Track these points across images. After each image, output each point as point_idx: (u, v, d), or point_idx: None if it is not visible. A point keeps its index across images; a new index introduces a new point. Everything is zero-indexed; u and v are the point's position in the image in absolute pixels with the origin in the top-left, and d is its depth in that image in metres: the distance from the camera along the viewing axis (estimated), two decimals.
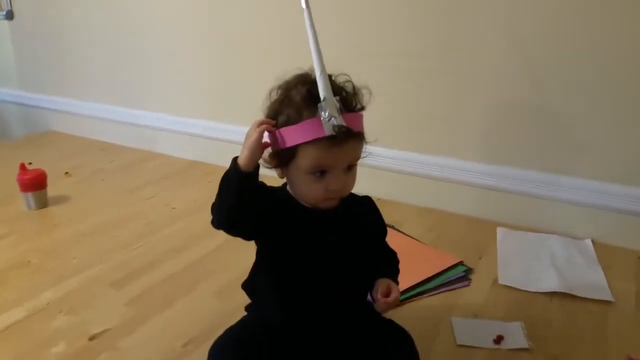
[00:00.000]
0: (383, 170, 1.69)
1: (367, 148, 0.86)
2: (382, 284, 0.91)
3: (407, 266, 1.16)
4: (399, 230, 1.48)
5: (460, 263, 1.31)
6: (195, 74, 2.08)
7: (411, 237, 1.45)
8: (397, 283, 0.94)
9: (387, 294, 0.90)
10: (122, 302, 1.21)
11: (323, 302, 0.92)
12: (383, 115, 1.62)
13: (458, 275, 1.27)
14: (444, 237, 1.46)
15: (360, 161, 0.86)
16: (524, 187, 1.53)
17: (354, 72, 0.85)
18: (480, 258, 1.35)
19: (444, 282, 1.24)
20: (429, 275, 1.24)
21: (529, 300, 1.18)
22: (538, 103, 1.45)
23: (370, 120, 0.85)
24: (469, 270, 1.30)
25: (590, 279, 1.25)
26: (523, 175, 1.52)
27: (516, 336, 1.05)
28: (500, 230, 1.49)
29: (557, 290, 1.20)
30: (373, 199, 0.97)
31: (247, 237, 0.92)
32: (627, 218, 1.40)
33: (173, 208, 1.72)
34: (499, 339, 1.03)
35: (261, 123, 0.82)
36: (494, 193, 1.57)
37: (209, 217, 0.84)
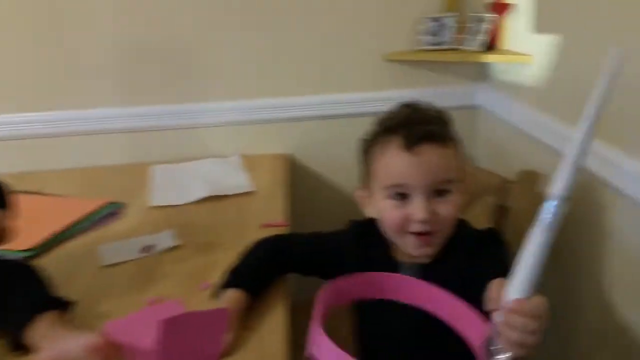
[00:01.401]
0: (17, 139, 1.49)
1: None
2: None
3: (51, 218, 1.10)
4: (43, 194, 1.32)
5: (110, 202, 1.25)
6: None
7: (57, 195, 1.32)
8: None
9: None
10: None
11: None
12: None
13: (108, 213, 1.21)
14: (95, 189, 1.37)
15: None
16: (169, 122, 1.54)
17: None
18: (136, 193, 1.32)
19: (94, 221, 1.17)
20: (75, 219, 1.15)
21: (181, 212, 1.21)
22: (166, 41, 1.47)
23: None
24: (121, 206, 1.25)
25: (236, 181, 1.35)
26: (166, 111, 1.53)
27: (166, 240, 1.05)
28: (154, 167, 1.48)
29: (206, 195, 1.26)
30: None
31: None
32: (262, 127, 1.56)
33: None
34: (147, 249, 1.02)
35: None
36: (142, 135, 1.55)
37: None
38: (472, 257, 0.80)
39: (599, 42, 0.97)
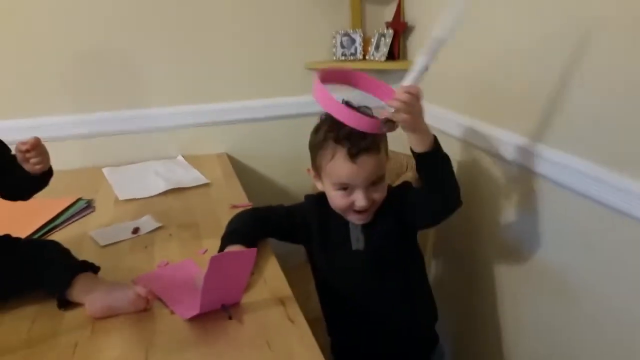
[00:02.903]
0: None
1: None
2: None
3: (32, 215, 1.22)
4: None
5: (79, 199, 1.38)
6: None
7: None
8: None
9: None
10: None
11: None
12: None
13: (81, 208, 1.34)
14: (59, 191, 1.45)
15: None
16: (114, 128, 1.67)
17: None
18: (97, 191, 1.45)
19: (70, 216, 1.29)
20: (53, 214, 1.28)
21: (150, 203, 1.38)
22: (110, 52, 1.61)
23: None
24: (90, 202, 1.38)
25: (189, 176, 1.54)
26: (111, 118, 1.66)
27: (149, 223, 1.23)
28: (105, 169, 1.61)
29: (168, 188, 1.44)
30: None
31: None
32: (199, 130, 1.75)
33: None
34: (135, 230, 1.18)
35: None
36: (90, 141, 1.67)
37: None
38: (397, 202, 1.08)
39: (473, 48, 1.33)
